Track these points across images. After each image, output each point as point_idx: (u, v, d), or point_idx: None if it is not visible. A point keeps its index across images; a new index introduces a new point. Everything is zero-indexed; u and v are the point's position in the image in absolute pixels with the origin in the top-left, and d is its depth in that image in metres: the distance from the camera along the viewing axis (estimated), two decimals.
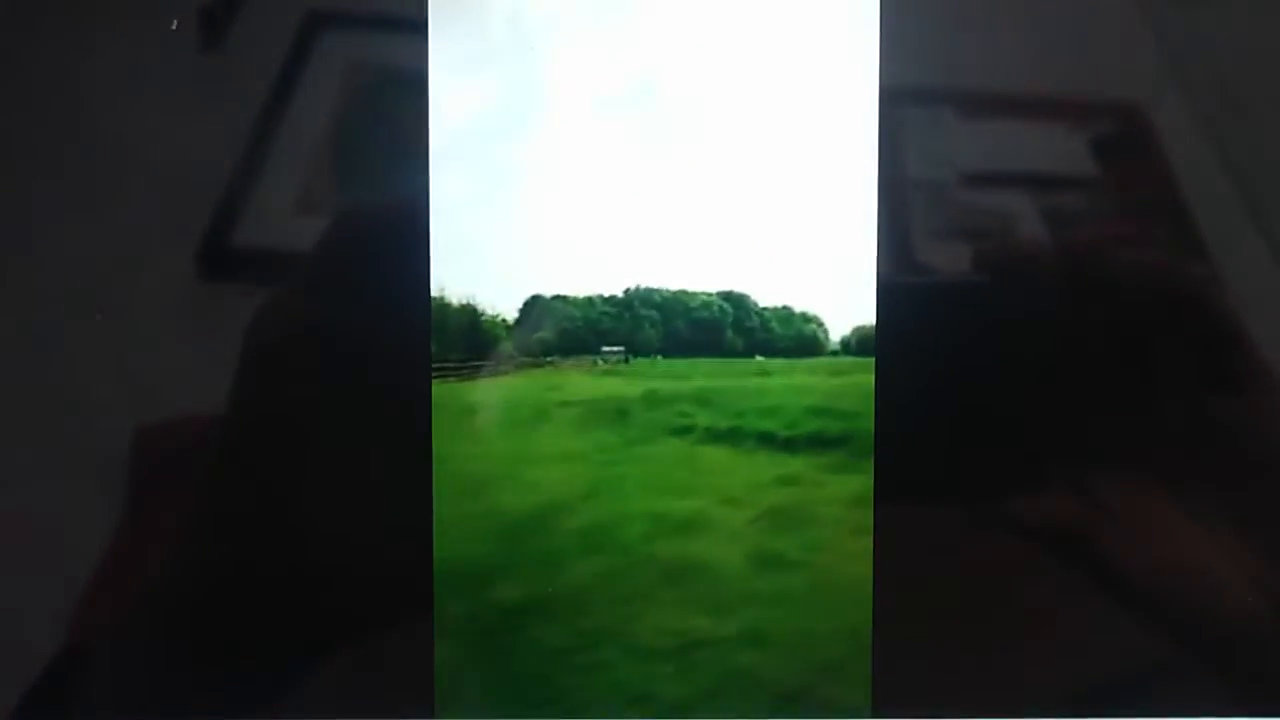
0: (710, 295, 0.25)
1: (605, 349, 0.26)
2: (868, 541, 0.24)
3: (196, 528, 0.23)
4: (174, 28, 0.23)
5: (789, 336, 0.25)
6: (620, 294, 0.25)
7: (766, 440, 0.25)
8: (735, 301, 0.25)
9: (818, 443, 0.25)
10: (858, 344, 0.24)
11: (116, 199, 0.23)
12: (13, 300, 0.23)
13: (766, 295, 0.25)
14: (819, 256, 0.24)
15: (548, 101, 0.24)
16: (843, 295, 0.24)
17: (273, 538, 0.23)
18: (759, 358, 0.26)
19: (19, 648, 0.23)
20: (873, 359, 0.24)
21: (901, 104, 0.23)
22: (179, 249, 0.23)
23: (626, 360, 0.26)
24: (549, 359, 0.26)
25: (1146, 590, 0.22)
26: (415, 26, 0.23)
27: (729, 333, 0.25)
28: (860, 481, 0.24)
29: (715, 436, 0.25)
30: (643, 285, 0.25)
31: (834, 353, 0.24)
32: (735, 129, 0.24)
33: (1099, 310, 0.23)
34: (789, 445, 0.25)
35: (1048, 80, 0.23)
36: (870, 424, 0.24)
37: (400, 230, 0.23)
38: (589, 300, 0.25)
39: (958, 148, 0.23)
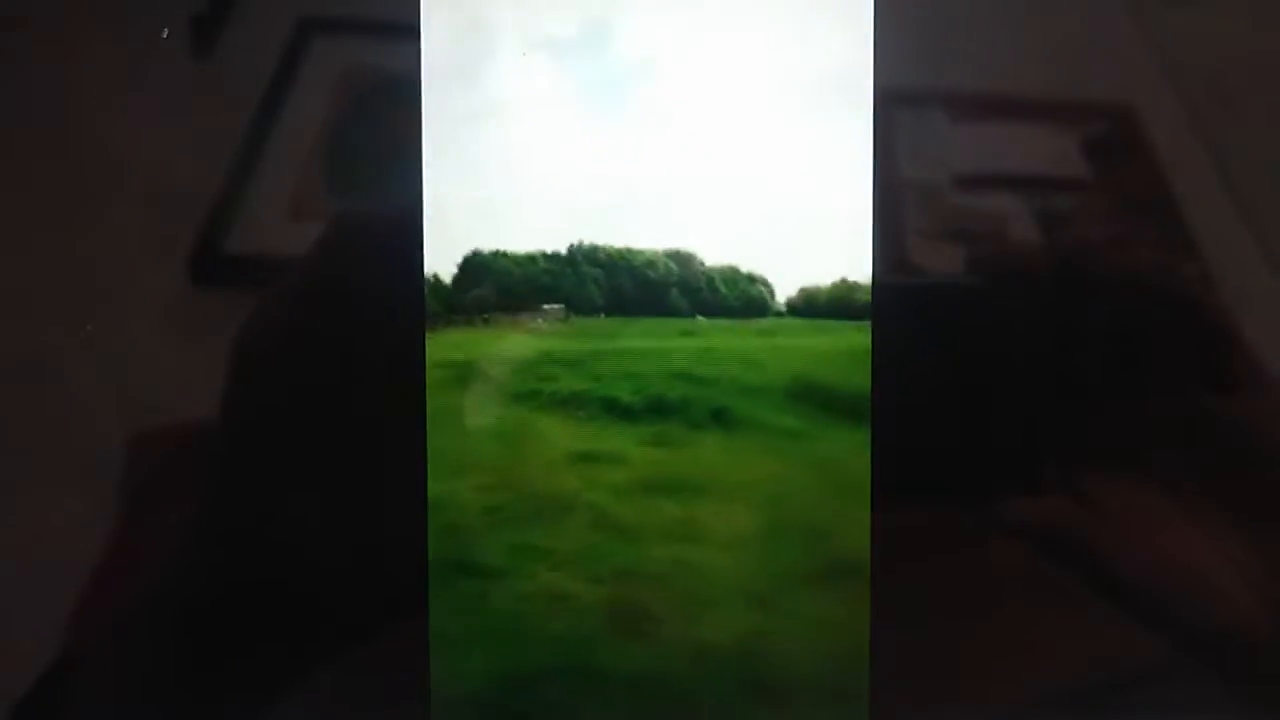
0: (656, 253, 0.25)
1: (546, 306, 0.25)
2: (602, 539, 0.23)
3: (192, 533, 0.23)
4: (165, 36, 0.23)
5: (734, 297, 0.25)
6: (564, 251, 0.24)
7: (608, 407, 0.25)
8: (681, 261, 0.25)
9: (655, 410, 0.24)
10: (804, 305, 0.24)
11: (110, 206, 0.23)
12: (7, 306, 0.23)
13: (713, 255, 0.24)
14: (768, 217, 0.24)
15: (491, 48, 0.23)
16: (790, 257, 0.24)
17: (268, 542, 0.23)
18: (699, 318, 0.26)
19: (15, 652, 0.23)
20: (809, 320, 0.24)
21: (895, 104, 0.23)
22: (173, 255, 0.23)
23: (567, 319, 0.26)
24: (485, 316, 0.25)
25: (1140, 591, 0.22)
26: (407, 31, 0.22)
27: (674, 292, 0.25)
28: (664, 456, 0.24)
29: (557, 402, 0.25)
30: (587, 242, 0.24)
31: (779, 314, 0.24)
32: (688, 83, 0.23)
33: (1092, 311, 0.23)
34: (626, 413, 0.25)
35: (1042, 82, 0.23)
36: (722, 390, 0.24)
37: (394, 235, 0.22)
38: (530, 257, 0.25)
39: (950, 149, 0.23)
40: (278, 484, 0.22)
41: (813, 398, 0.24)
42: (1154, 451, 0.23)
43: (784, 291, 0.24)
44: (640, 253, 0.25)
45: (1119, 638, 0.22)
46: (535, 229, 0.24)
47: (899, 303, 0.22)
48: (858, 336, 0.23)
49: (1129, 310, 0.23)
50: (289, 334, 0.23)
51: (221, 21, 0.23)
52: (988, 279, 0.23)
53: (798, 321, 0.25)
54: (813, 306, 0.24)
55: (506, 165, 0.23)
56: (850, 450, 0.23)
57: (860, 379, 0.23)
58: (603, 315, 0.25)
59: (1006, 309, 0.23)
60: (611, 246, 0.25)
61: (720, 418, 0.24)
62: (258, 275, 0.23)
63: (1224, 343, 0.23)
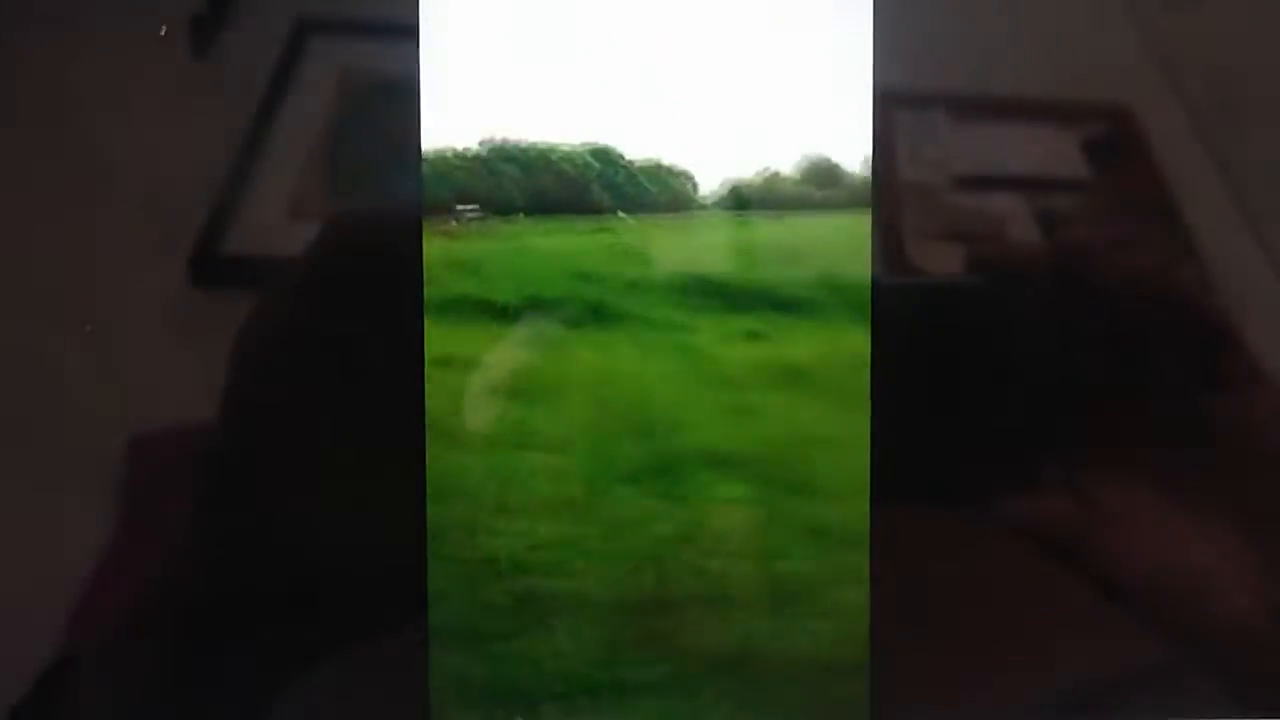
0: (575, 148, 0.23)
1: (459, 208, 0.24)
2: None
3: (190, 535, 0.23)
4: (162, 34, 0.23)
5: (658, 192, 0.24)
6: (477, 146, 0.23)
7: (483, 309, 0.24)
8: (601, 155, 0.24)
9: (533, 309, 0.24)
10: (730, 199, 0.24)
11: (109, 206, 0.23)
12: (6, 306, 0.23)
13: (636, 149, 0.23)
14: (693, 108, 0.23)
15: None
16: (715, 149, 0.23)
17: (266, 544, 0.22)
18: (621, 215, 0.25)
19: (13, 655, 0.23)
20: (734, 213, 0.24)
21: (895, 104, 0.22)
22: (171, 256, 0.23)
23: (484, 219, 0.24)
24: None
25: (1138, 590, 0.22)
26: (406, 31, 0.22)
27: (595, 188, 0.24)
28: (526, 357, 0.23)
29: (431, 307, 0.23)
30: (501, 137, 0.23)
31: (704, 208, 0.24)
32: None
33: (1092, 311, 0.22)
34: (501, 314, 0.24)
35: (1042, 83, 0.23)
36: (609, 287, 0.23)
37: (392, 235, 0.22)
38: (440, 154, 0.23)
39: (950, 149, 0.23)
40: (277, 484, 0.22)
41: (701, 290, 0.24)
42: (1153, 451, 0.23)
43: (709, 185, 0.24)
44: (558, 148, 0.23)
45: (1118, 637, 0.22)
46: (446, 124, 0.23)
47: (899, 303, 0.22)
48: (772, 228, 0.23)
49: (1128, 310, 0.22)
50: (288, 334, 0.22)
51: (220, 21, 0.23)
52: (987, 280, 0.22)
53: (720, 215, 0.24)
54: (739, 200, 0.23)
55: (418, 54, 0.22)
56: (722, 338, 0.23)
57: (758, 271, 0.23)
58: (522, 215, 0.24)
59: (1006, 309, 0.22)
60: (528, 142, 0.23)
61: (598, 314, 0.23)
62: (257, 275, 0.23)
63: (1223, 343, 0.23)
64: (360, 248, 0.22)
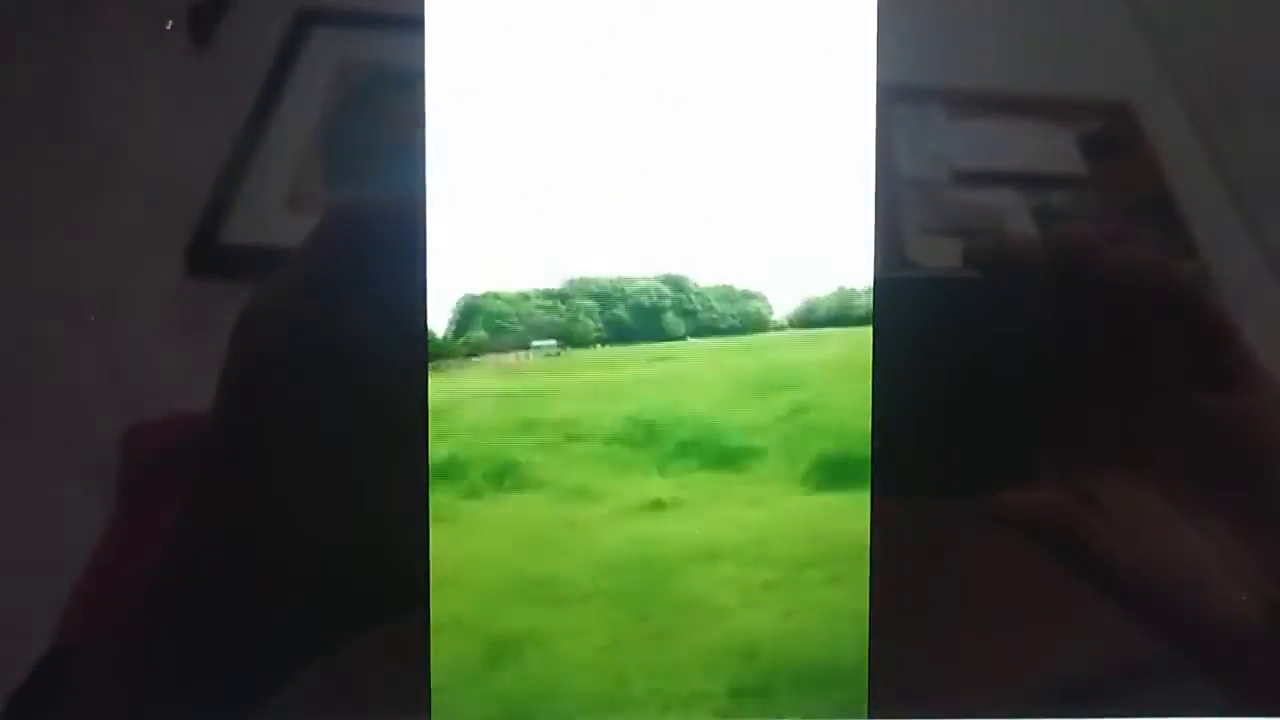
0: (649, 279, 0.24)
1: (536, 343, 0.25)
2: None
3: (189, 527, 0.22)
4: (169, 27, 0.23)
5: (732, 315, 0.25)
6: (558, 286, 0.24)
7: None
8: (675, 284, 0.25)
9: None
10: (804, 318, 0.24)
11: (110, 198, 0.23)
12: (5, 299, 0.23)
13: (707, 275, 0.24)
14: (759, 231, 0.24)
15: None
16: (787, 269, 0.24)
17: (266, 537, 0.22)
18: (690, 340, 0.26)
19: (10, 648, 0.23)
20: (808, 331, 0.24)
21: (896, 100, 0.22)
22: (172, 247, 0.23)
23: (559, 353, 0.25)
24: (475, 359, 0.25)
25: (1136, 586, 0.22)
26: (410, 22, 0.22)
27: (670, 315, 0.25)
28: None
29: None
30: (581, 276, 0.24)
31: (779, 328, 0.25)
32: (668, 108, 0.23)
33: (1090, 307, 0.23)
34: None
35: (1042, 79, 0.24)
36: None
37: (394, 227, 0.22)
38: (523, 295, 0.24)
39: (950, 145, 0.23)
40: (276, 478, 0.22)
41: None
42: (1151, 448, 0.23)
43: (782, 307, 0.24)
44: (633, 280, 0.24)
45: (1116, 633, 0.22)
46: (529, 268, 0.24)
47: (899, 298, 0.22)
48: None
49: (1125, 307, 0.23)
50: (289, 326, 0.22)
51: (220, 13, 0.23)
52: (986, 275, 0.23)
53: (790, 335, 0.25)
54: (813, 318, 0.24)
55: (499, 208, 0.23)
56: None
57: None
58: (600, 346, 0.25)
59: (1005, 305, 0.23)
60: (605, 277, 0.24)
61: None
62: (257, 266, 0.23)
63: (1221, 339, 0.23)
64: (363, 239, 0.22)
